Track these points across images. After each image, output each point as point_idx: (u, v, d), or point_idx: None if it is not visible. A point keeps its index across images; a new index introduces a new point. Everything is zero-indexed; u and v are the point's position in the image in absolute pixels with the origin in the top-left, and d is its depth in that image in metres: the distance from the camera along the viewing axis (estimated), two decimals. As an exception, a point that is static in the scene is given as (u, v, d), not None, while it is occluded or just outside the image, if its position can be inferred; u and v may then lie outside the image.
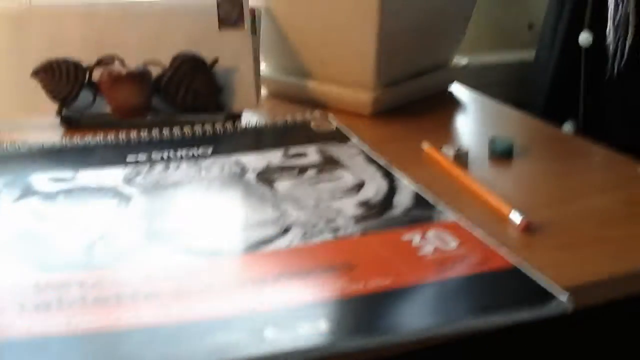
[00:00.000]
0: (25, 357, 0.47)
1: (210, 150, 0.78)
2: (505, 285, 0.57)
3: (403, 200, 0.69)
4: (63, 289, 0.54)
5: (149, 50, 0.85)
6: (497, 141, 0.80)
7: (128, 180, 0.71)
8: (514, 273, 0.58)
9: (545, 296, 0.55)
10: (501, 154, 0.79)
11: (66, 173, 0.72)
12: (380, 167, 0.75)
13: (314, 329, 0.51)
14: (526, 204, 0.69)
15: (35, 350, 0.48)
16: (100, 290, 0.54)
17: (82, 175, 0.72)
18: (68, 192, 0.69)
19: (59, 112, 0.84)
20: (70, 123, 0.84)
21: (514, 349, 0.60)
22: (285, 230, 0.63)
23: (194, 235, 0.63)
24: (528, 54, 1.26)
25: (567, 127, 1.14)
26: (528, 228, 0.65)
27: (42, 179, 0.71)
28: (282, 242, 0.62)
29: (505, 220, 0.66)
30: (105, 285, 0.55)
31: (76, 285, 0.55)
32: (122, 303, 0.53)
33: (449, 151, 0.78)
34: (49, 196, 0.68)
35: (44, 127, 0.84)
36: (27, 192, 0.69)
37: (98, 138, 0.79)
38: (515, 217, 0.66)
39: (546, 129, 0.90)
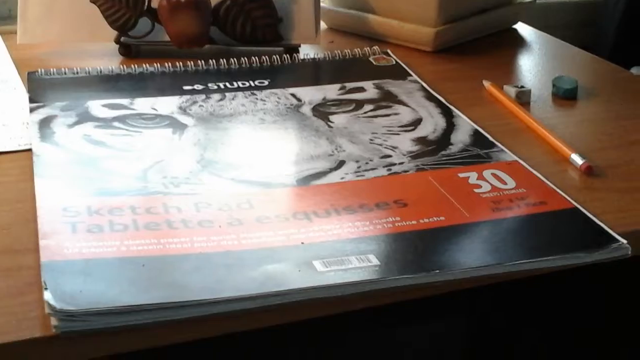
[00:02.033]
0: (76, 278, 0.47)
1: (266, 82, 0.77)
2: (563, 226, 0.56)
3: (461, 138, 0.67)
4: (115, 213, 0.54)
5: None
6: (561, 81, 0.78)
7: (184, 109, 0.71)
8: (573, 215, 0.57)
9: (604, 239, 0.54)
10: (565, 95, 0.77)
11: (123, 100, 0.72)
12: (439, 104, 0.74)
13: (365, 264, 0.50)
14: (588, 146, 0.67)
15: (85, 272, 0.48)
16: (152, 216, 0.54)
17: (139, 103, 0.72)
18: (124, 118, 0.69)
19: (117, 39, 0.84)
20: (128, 50, 0.84)
21: (570, 292, 0.59)
22: (339, 165, 0.63)
23: (248, 166, 0.62)
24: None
25: (634, 72, 1.10)
26: (589, 171, 0.63)
27: (99, 105, 0.71)
28: (336, 176, 0.61)
29: (566, 162, 0.65)
30: (157, 211, 0.55)
31: (128, 209, 0.55)
32: (175, 229, 0.53)
33: (511, 90, 0.76)
34: (105, 122, 0.68)
35: (102, 53, 0.84)
36: (84, 117, 0.69)
37: (155, 66, 0.79)
38: (577, 159, 0.64)
39: (612, 71, 0.87)
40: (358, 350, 0.66)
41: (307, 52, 0.85)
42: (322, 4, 0.90)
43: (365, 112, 0.72)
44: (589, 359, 0.69)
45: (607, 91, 0.80)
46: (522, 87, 0.76)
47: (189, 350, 0.50)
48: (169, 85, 0.76)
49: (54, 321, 0.44)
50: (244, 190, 0.59)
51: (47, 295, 0.45)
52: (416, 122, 0.70)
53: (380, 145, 0.66)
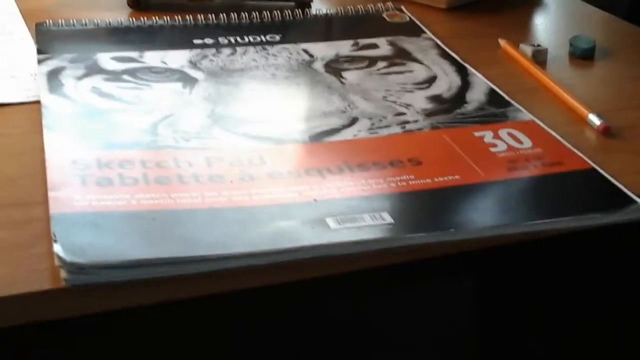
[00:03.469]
0: (85, 230, 0.47)
1: (278, 37, 0.76)
2: (579, 187, 0.55)
3: (476, 96, 0.66)
4: (125, 167, 0.54)
5: None
6: (578, 40, 0.76)
7: (194, 63, 0.70)
8: (590, 175, 0.56)
9: (621, 200, 0.53)
10: (582, 54, 0.75)
11: (132, 53, 0.71)
12: (453, 61, 0.72)
13: (378, 221, 0.50)
14: (606, 106, 0.65)
15: (95, 225, 0.47)
16: (163, 170, 0.54)
17: (148, 56, 0.71)
18: (133, 71, 0.68)
19: (127, -8, 0.82)
20: (137, 3, 0.83)
21: (586, 254, 0.58)
22: (352, 122, 0.62)
23: (260, 122, 0.61)
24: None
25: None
26: (607, 131, 0.62)
27: (108, 57, 0.70)
28: (348, 133, 0.60)
29: (583, 122, 0.63)
30: (168, 165, 0.54)
31: (139, 163, 0.54)
32: (185, 184, 0.52)
33: (527, 49, 0.75)
34: (114, 75, 0.67)
35: (111, 5, 0.82)
36: (93, 69, 0.68)
37: (165, 19, 0.78)
38: (594, 120, 0.63)
39: (630, 30, 0.85)
40: (366, 309, 0.65)
41: (319, 7, 0.84)
42: (335, -41, 0.88)
43: (378, 69, 0.71)
44: (597, 325, 0.69)
45: (625, 51, 0.79)
46: (538, 46, 0.75)
47: (197, 305, 0.49)
48: (179, 38, 0.75)
49: (63, 274, 0.44)
50: (255, 146, 0.58)
51: (57, 248, 0.44)
52: (430, 80, 0.69)
53: (394, 102, 0.65)
